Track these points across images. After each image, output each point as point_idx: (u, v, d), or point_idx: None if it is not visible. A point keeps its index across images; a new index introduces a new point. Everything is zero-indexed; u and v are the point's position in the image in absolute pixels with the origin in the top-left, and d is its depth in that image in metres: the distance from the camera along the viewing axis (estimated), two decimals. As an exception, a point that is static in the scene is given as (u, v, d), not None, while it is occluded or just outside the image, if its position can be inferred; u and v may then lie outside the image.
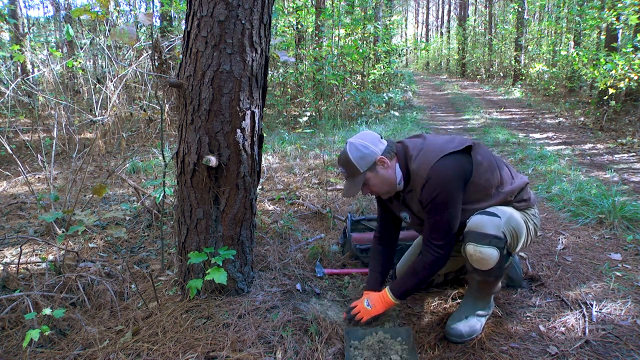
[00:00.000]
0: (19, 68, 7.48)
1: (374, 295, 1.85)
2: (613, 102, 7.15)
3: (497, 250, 1.59)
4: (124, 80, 4.97)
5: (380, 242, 2.03)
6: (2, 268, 2.22)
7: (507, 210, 1.71)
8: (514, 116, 8.84)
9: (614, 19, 8.04)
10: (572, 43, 13.08)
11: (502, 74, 18.24)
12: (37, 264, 2.44)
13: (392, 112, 8.62)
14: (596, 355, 1.62)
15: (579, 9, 11.89)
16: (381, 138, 1.80)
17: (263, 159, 4.86)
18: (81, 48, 6.75)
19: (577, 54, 8.94)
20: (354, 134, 1.85)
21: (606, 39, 9.04)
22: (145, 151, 5.28)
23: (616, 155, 5.16)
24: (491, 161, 1.76)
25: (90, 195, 3.47)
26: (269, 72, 7.26)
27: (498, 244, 1.59)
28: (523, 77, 14.40)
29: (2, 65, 6.73)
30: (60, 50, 8.97)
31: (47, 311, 1.66)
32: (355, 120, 7.86)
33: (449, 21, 32.63)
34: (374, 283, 1.96)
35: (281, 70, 9.40)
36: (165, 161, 2.13)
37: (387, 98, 8.75)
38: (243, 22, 1.73)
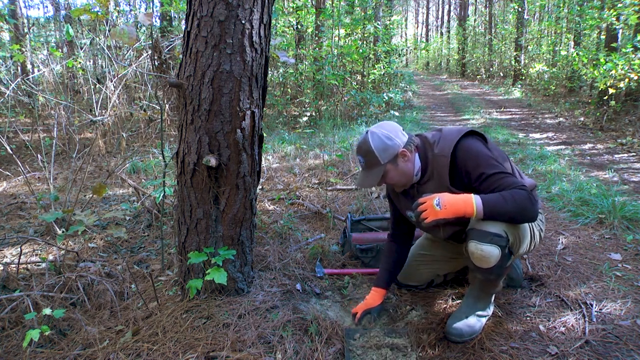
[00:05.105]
0: (19, 68, 7.48)
1: (448, 194, 1.59)
2: (613, 102, 7.14)
3: (498, 248, 1.58)
4: (124, 80, 4.97)
5: (393, 240, 2.02)
6: (2, 268, 2.22)
7: None
8: (513, 116, 8.84)
9: (614, 19, 8.03)
10: (572, 43, 13.07)
11: (502, 74, 18.24)
12: (37, 264, 2.44)
13: (392, 112, 8.62)
14: (596, 355, 1.62)
15: (579, 9, 11.89)
16: (402, 130, 1.79)
17: (263, 159, 4.86)
18: (81, 48, 6.75)
19: (577, 54, 8.93)
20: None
21: (606, 39, 9.04)
22: (145, 151, 5.28)
23: (616, 155, 5.16)
24: (502, 155, 1.77)
25: (90, 195, 3.47)
26: (269, 72, 7.26)
27: (499, 242, 1.58)
28: (523, 77, 14.39)
29: (2, 65, 6.72)
30: (60, 50, 8.96)
31: (47, 311, 1.66)
32: (355, 120, 7.85)
33: (449, 21, 32.63)
34: (382, 281, 1.95)
35: (281, 70, 9.40)
36: (165, 161, 2.13)
37: (387, 98, 8.74)
38: (243, 22, 1.73)
